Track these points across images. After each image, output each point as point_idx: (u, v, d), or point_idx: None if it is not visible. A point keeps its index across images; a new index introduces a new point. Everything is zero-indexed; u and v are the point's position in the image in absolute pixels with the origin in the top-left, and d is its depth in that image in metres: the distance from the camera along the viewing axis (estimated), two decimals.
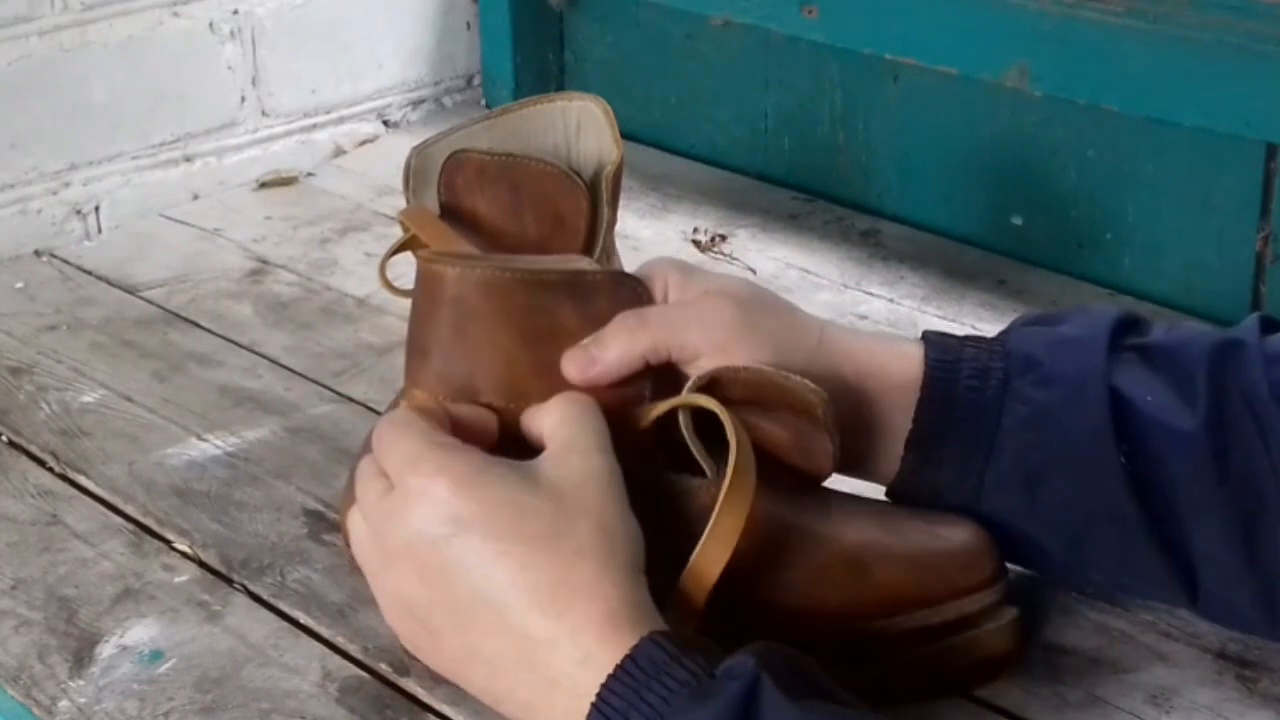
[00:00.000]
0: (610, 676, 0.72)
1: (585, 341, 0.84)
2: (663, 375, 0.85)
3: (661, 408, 0.83)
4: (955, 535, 0.86)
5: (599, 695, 0.72)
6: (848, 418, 0.85)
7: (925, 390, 0.86)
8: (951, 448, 0.86)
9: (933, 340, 0.88)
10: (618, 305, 0.85)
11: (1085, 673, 0.87)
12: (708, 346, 0.84)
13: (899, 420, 0.87)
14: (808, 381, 0.83)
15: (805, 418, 0.83)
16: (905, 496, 0.88)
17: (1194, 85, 1.15)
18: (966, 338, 0.89)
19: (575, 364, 0.83)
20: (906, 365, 0.87)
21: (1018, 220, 1.34)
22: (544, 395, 0.83)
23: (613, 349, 0.83)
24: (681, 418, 0.82)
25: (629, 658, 0.72)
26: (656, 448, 0.84)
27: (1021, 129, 1.32)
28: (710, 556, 0.79)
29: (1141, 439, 0.84)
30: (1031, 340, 0.87)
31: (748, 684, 0.70)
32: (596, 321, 0.84)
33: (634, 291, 0.86)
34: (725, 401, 0.82)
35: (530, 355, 0.83)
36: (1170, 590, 0.86)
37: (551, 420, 0.81)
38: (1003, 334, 0.89)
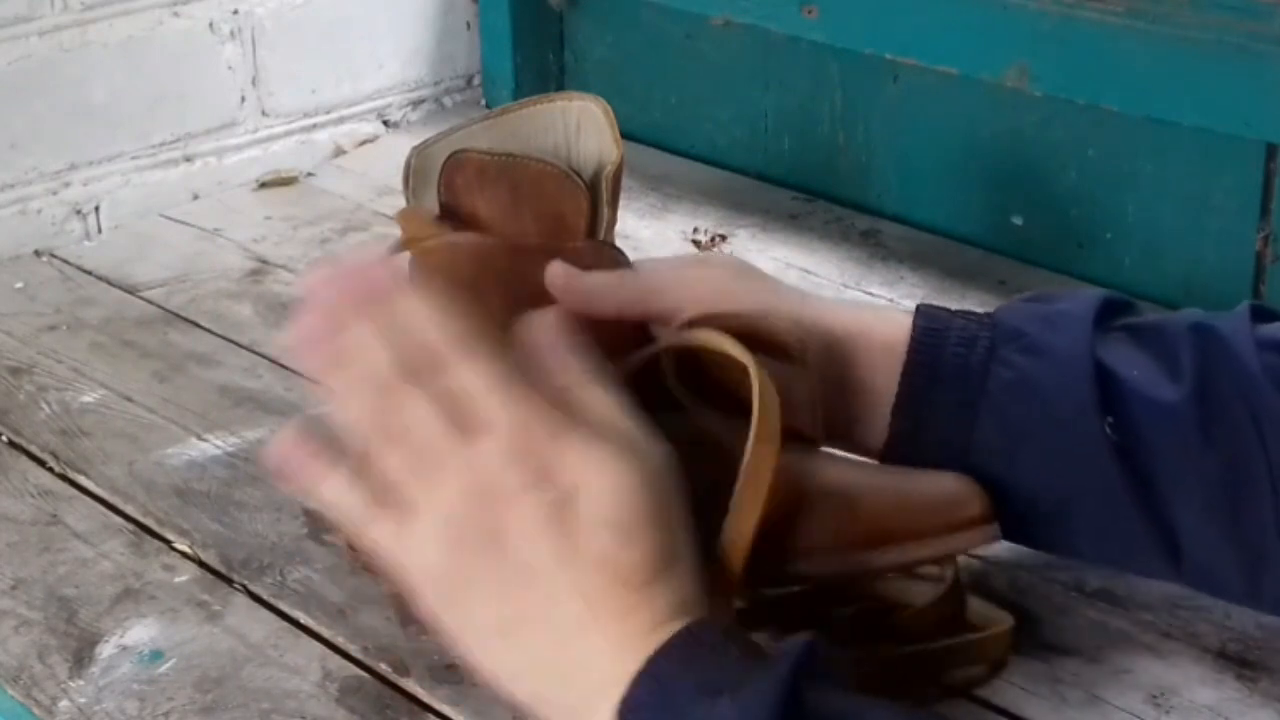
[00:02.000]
0: (667, 642, 0.70)
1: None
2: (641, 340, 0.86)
3: (663, 345, 0.84)
4: (942, 477, 0.86)
5: (652, 657, 0.70)
6: (833, 378, 0.87)
7: (911, 354, 0.87)
8: (937, 412, 0.87)
9: (923, 310, 0.89)
10: (600, 264, 0.87)
11: (1085, 673, 0.87)
12: (691, 303, 0.85)
13: (883, 383, 0.87)
14: (788, 324, 0.84)
15: (787, 364, 0.84)
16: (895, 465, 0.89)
17: (1194, 85, 1.15)
18: (957, 311, 0.90)
19: (563, 274, 0.85)
20: (893, 330, 0.88)
21: (1018, 220, 1.34)
22: None
23: (598, 280, 0.86)
24: (663, 359, 0.84)
25: (687, 629, 0.71)
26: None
27: (1021, 129, 1.32)
28: (748, 504, 0.79)
29: (1126, 411, 0.84)
30: (1019, 313, 0.88)
31: (803, 651, 0.69)
32: None
33: (614, 260, 0.88)
34: (707, 355, 0.83)
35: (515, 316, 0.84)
36: (1154, 560, 0.86)
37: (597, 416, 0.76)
38: (993, 310, 0.90)
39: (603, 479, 0.72)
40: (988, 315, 0.89)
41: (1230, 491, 0.83)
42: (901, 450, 0.88)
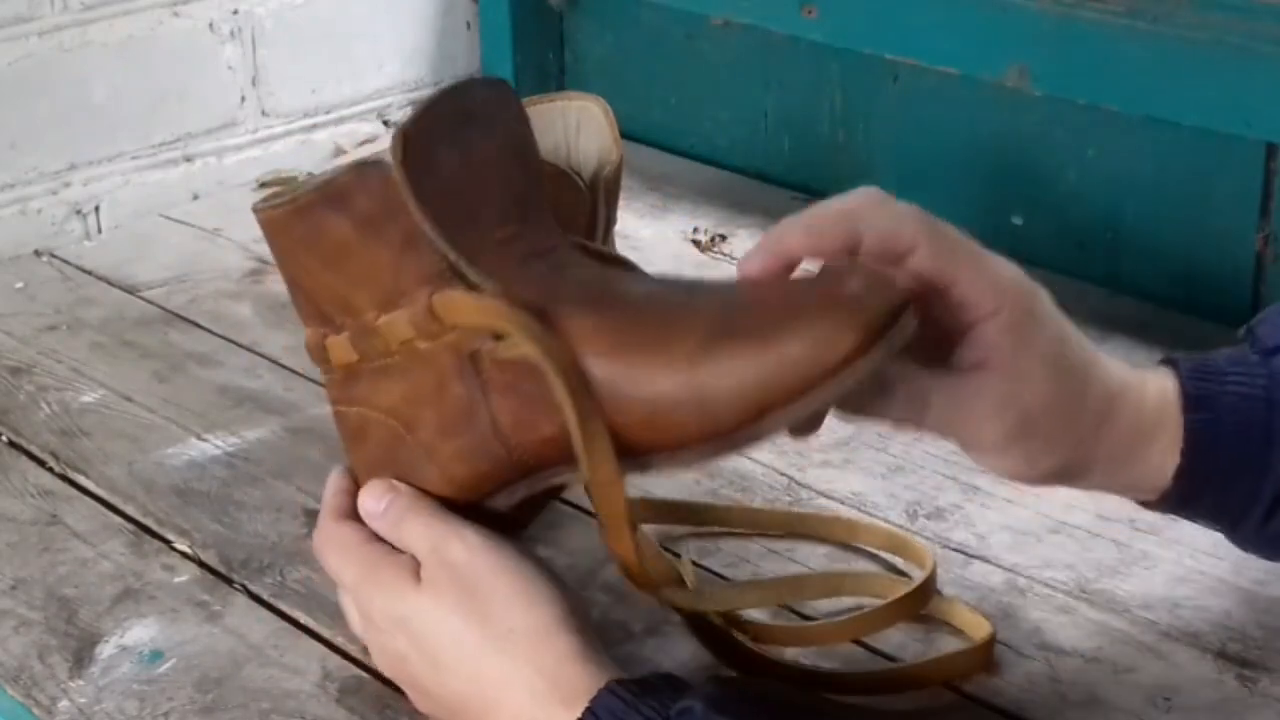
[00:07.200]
0: None
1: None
2: None
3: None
4: (797, 319, 0.79)
5: None
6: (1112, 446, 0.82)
7: (1189, 431, 0.82)
8: (1221, 475, 0.83)
9: (1189, 374, 0.84)
10: (369, 193, 0.77)
11: (1085, 673, 0.87)
12: (994, 296, 0.83)
13: (1165, 444, 0.82)
14: None
15: None
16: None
17: (1194, 85, 1.15)
18: (1225, 360, 0.84)
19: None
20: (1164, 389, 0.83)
21: (1018, 220, 1.34)
22: (394, 290, 0.78)
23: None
24: None
25: (589, 710, 0.74)
26: None
27: (1021, 129, 1.32)
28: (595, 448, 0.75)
29: None
30: None
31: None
32: (368, 221, 0.77)
33: (379, 171, 0.77)
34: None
35: (341, 276, 0.80)
36: None
37: (409, 536, 0.81)
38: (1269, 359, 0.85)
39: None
40: (1260, 361, 0.84)
41: None
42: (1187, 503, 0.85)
